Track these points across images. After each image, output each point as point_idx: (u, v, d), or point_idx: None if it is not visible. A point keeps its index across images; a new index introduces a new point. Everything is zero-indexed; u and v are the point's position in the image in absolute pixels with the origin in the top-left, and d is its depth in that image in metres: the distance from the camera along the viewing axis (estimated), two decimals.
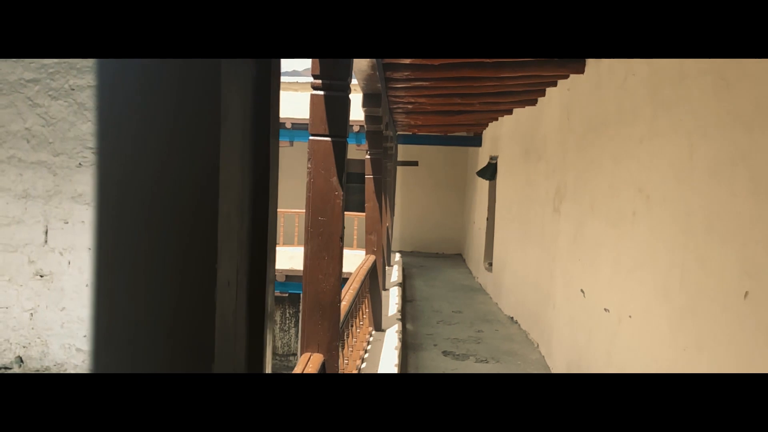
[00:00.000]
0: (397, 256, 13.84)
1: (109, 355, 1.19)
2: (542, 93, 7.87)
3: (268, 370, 1.47)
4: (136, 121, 1.14)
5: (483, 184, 13.03)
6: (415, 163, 15.16)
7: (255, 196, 1.41)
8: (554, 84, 7.20)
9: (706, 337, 3.42)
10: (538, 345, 7.88)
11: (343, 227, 3.01)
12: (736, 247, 3.16)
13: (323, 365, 2.96)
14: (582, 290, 5.76)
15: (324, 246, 2.94)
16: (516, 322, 9.23)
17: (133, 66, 1.15)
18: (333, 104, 2.89)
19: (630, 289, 4.53)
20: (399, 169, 15.40)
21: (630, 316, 4.50)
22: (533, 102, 8.38)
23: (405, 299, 10.26)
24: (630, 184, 4.61)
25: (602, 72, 5.48)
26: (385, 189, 8.25)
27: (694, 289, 3.58)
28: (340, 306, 3.12)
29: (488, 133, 12.80)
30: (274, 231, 1.48)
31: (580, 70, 6.05)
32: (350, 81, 3.11)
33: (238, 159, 1.28)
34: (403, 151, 15.78)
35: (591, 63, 5.85)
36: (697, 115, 3.62)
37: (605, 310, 5.07)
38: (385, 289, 8.23)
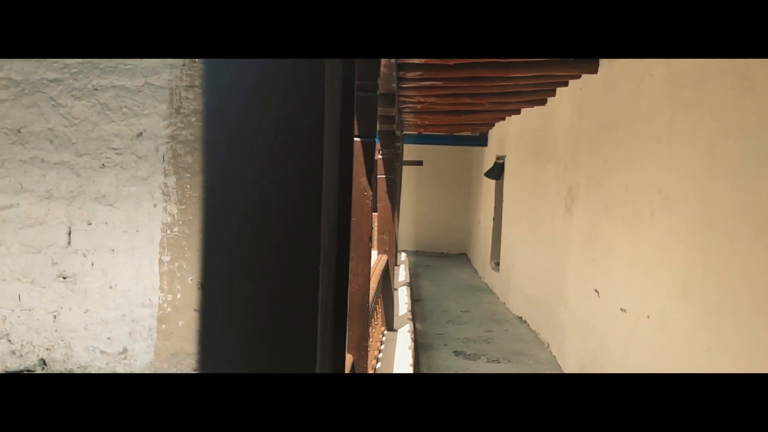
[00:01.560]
0: (403, 256, 13.80)
1: (209, 357, 1.17)
2: (552, 93, 7.82)
3: (347, 369, 1.45)
4: (238, 121, 1.11)
5: (489, 183, 12.97)
6: (420, 163, 15.12)
7: (341, 194, 1.39)
8: (565, 84, 7.15)
9: (730, 337, 3.38)
10: (548, 345, 7.83)
11: (372, 228, 2.98)
12: (762, 247, 3.11)
13: (353, 366, 2.92)
14: (596, 290, 5.70)
15: (353, 247, 2.89)
16: (525, 322, 9.17)
17: (236, 65, 1.13)
18: (362, 104, 2.86)
19: (648, 289, 4.48)
20: (404, 168, 15.36)
21: (648, 317, 4.45)
22: (543, 102, 8.32)
23: (413, 299, 10.22)
24: (647, 185, 4.56)
25: (617, 72, 5.42)
26: (396, 189, 8.21)
27: (717, 289, 3.53)
28: (368, 306, 3.09)
29: (495, 133, 12.75)
30: (349, 226, 1.46)
31: (594, 70, 5.99)
32: (378, 81, 3.08)
33: (333, 157, 1.27)
34: (408, 151, 15.73)
35: (605, 63, 5.80)
36: (719, 116, 3.57)
37: (621, 310, 5.02)
38: (394, 289, 8.19)
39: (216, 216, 1.18)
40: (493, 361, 7.20)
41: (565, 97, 7.32)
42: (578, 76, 6.54)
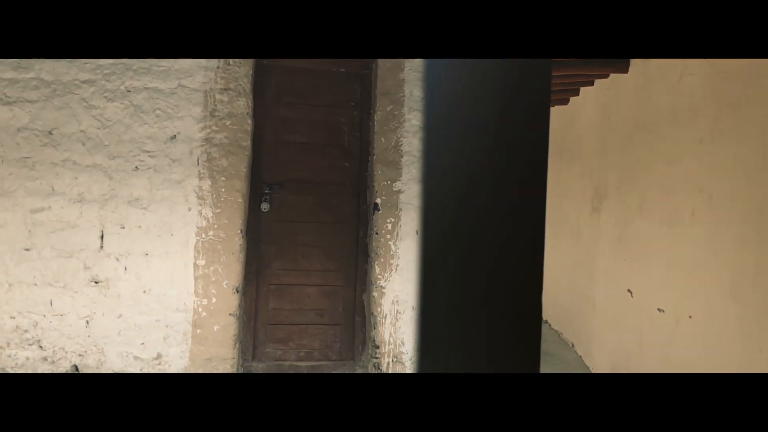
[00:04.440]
0: None
1: (429, 359, 1.02)
2: (576, 92, 7.61)
3: None
4: (461, 120, 0.97)
5: None
6: None
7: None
8: (591, 83, 6.93)
9: None
10: (573, 345, 7.62)
11: None
12: None
13: None
14: (629, 290, 5.50)
15: None
16: (546, 322, 8.97)
17: (460, 64, 0.99)
18: None
19: (690, 289, 4.28)
20: None
21: (690, 317, 4.25)
22: (565, 101, 8.11)
23: None
24: (687, 184, 4.36)
25: (651, 71, 5.21)
26: None
27: None
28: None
29: None
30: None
31: (624, 70, 5.78)
32: None
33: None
34: None
35: (636, 62, 5.59)
36: None
37: (659, 310, 4.81)
38: None
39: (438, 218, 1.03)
40: None
41: (590, 96, 7.11)
42: (606, 75, 6.33)
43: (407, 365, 3.17)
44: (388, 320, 3.17)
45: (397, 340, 3.16)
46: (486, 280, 0.97)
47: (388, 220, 3.20)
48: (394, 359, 3.16)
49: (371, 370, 3.15)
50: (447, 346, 1.00)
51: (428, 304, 1.08)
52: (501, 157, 0.93)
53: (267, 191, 3.23)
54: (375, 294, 3.18)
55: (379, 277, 3.18)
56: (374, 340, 3.17)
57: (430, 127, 1.08)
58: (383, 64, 3.25)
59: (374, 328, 3.18)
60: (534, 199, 0.88)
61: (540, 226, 0.85)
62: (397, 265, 3.19)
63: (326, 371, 3.27)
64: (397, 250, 3.19)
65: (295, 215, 3.31)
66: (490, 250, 0.95)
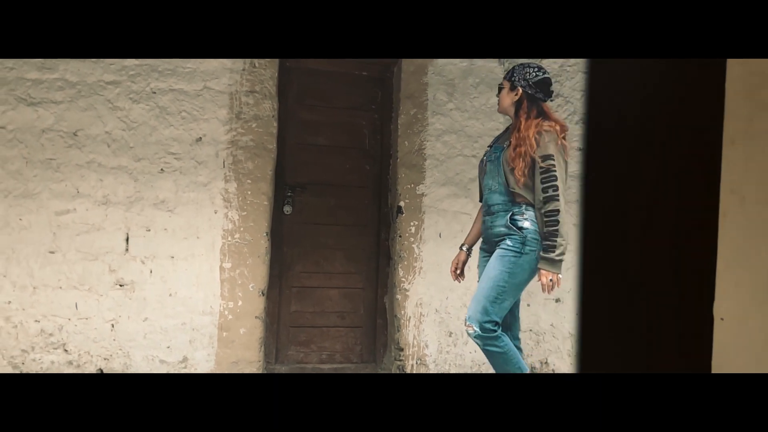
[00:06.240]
0: None
1: (592, 361, 1.01)
2: None
3: None
4: (626, 118, 0.95)
5: None
6: None
7: None
8: None
9: None
10: None
11: None
12: None
13: None
14: None
15: None
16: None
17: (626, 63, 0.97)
18: None
19: (721, 291, 4.27)
20: None
21: (722, 319, 4.24)
22: None
23: None
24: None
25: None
26: None
27: None
28: None
29: None
30: None
31: None
32: None
33: None
34: None
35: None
36: None
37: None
38: None
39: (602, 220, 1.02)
40: None
41: None
42: None
43: (431, 367, 3.12)
44: (412, 323, 3.12)
45: (420, 342, 3.12)
46: (651, 280, 0.94)
47: (412, 223, 3.16)
48: (418, 361, 3.11)
49: (395, 372, 3.11)
50: (608, 344, 0.96)
51: (589, 301, 1.04)
52: (669, 155, 0.89)
53: (289, 194, 3.18)
54: (399, 297, 3.14)
55: (403, 279, 3.14)
56: (398, 343, 3.13)
57: (591, 125, 1.04)
58: (406, 68, 3.21)
59: (398, 331, 3.13)
60: (706, 197, 0.84)
61: (713, 224, 0.81)
62: (421, 267, 3.14)
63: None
64: (421, 253, 3.15)
65: (317, 217, 3.27)
66: (654, 247, 0.91)
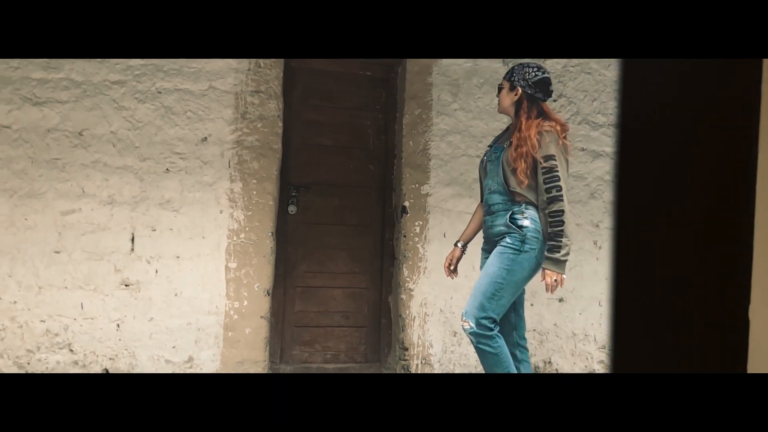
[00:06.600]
0: None
1: (624, 359, 0.99)
2: None
3: None
4: (659, 119, 0.94)
5: None
6: None
7: None
8: None
9: None
10: None
11: None
12: None
13: None
14: None
15: None
16: None
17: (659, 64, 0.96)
18: None
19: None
20: None
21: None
22: None
23: None
24: None
25: None
26: None
27: None
28: None
29: None
30: None
31: None
32: None
33: None
34: None
35: None
36: None
37: None
38: None
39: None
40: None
41: None
42: None
43: (435, 367, 3.12)
44: (417, 322, 3.12)
45: (425, 342, 3.11)
46: (684, 281, 0.93)
47: (416, 223, 3.15)
48: (423, 361, 3.11)
49: (400, 372, 3.11)
50: (641, 343, 0.95)
51: (622, 301, 1.03)
52: (703, 157, 0.88)
53: (294, 193, 3.18)
54: (403, 296, 3.13)
55: (408, 279, 3.13)
56: (402, 342, 3.12)
57: (624, 126, 1.02)
58: (410, 68, 3.20)
59: (402, 331, 3.13)
60: (740, 200, 0.83)
61: (748, 226, 0.80)
62: (425, 267, 3.13)
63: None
64: (425, 253, 3.14)
65: (321, 218, 3.26)
66: (687, 249, 0.90)
